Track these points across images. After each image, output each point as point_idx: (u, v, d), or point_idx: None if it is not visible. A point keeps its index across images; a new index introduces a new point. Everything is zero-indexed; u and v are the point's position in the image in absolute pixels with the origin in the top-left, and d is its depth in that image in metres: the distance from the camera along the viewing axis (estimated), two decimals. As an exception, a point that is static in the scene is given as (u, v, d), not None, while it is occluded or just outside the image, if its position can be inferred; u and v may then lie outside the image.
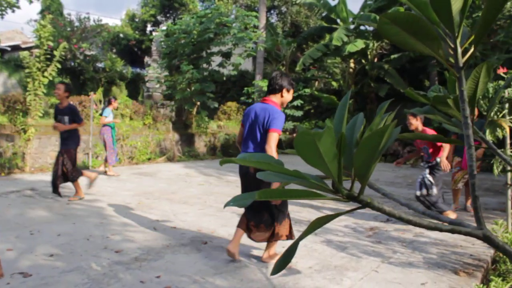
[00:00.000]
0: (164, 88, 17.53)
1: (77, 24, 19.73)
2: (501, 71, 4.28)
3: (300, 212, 6.76)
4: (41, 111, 10.87)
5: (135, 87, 22.22)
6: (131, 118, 14.31)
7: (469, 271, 4.19)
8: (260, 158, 1.37)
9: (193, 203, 7.32)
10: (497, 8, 1.45)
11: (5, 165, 10.16)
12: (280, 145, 17.63)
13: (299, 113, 17.70)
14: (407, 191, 9.14)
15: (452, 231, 1.46)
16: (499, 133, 3.70)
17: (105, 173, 10.44)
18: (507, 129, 4.63)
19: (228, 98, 22.07)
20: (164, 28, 16.57)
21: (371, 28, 17.79)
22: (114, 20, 76.87)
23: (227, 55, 15.94)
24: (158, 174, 10.96)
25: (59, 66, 10.83)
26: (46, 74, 10.60)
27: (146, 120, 14.62)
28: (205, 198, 7.78)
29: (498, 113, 3.78)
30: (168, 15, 29.47)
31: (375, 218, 6.43)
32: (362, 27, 18.04)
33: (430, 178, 6.00)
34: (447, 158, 6.42)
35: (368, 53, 18.24)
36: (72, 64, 19.32)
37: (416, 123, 6.11)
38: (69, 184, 8.68)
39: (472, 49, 1.64)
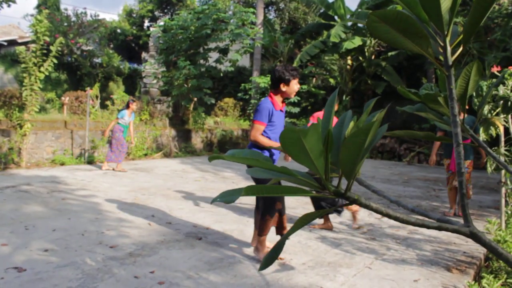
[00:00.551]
0: (161, 84, 17.49)
1: (74, 19, 19.64)
2: (494, 70, 4.29)
3: (296, 209, 6.78)
4: (37, 106, 10.83)
5: (132, 82, 22.18)
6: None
7: (462, 268, 4.21)
8: (248, 154, 1.38)
9: (188, 199, 7.33)
10: (486, 7, 1.46)
11: (1, 160, 10.14)
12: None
13: (296, 110, 17.68)
14: (402, 189, 9.17)
15: (439, 228, 1.48)
16: (492, 131, 3.73)
17: (113, 169, 10.60)
18: (501, 128, 4.64)
19: (225, 94, 22.03)
20: (162, 23, 16.53)
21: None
22: (112, 15, 76.63)
23: (224, 51, 15.92)
24: (155, 170, 10.96)
25: (55, 61, 10.79)
26: (42, 69, 10.57)
27: (143, 116, 14.60)
28: (201, 194, 7.79)
29: (492, 111, 3.79)
30: (165, 10, 29.39)
31: (369, 215, 6.46)
32: (359, 24, 18.03)
33: None
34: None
35: (366, 50, 18.23)
36: (69, 59, 19.27)
37: None
38: (65, 180, 8.70)
39: (461, 48, 1.65)
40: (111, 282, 3.58)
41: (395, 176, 11.35)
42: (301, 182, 1.31)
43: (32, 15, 20.93)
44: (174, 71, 15.85)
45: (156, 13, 29.38)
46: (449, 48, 1.60)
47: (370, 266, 4.20)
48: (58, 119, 12.44)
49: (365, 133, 1.11)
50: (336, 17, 18.51)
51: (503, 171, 5.17)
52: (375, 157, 16.28)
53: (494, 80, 3.86)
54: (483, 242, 1.50)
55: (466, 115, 5.86)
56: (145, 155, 13.78)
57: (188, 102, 15.91)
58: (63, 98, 14.14)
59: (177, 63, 15.25)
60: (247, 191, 1.18)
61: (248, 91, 17.94)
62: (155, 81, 17.90)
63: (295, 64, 17.90)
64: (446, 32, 1.56)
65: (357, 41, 16.42)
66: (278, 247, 1.37)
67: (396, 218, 1.41)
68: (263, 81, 16.62)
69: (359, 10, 17.62)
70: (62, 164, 11.25)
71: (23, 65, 10.50)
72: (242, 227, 5.52)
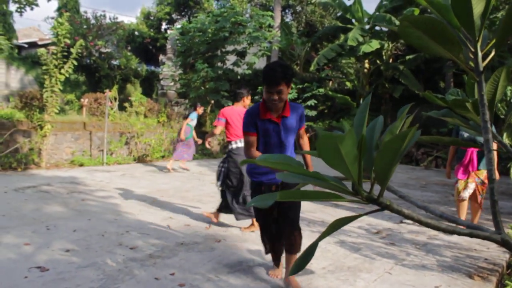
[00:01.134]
0: (179, 86, 17.60)
1: (93, 21, 19.89)
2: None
3: (314, 212, 6.76)
4: (57, 108, 11.00)
5: (149, 84, 22.34)
6: (145, 116, 14.38)
7: (484, 275, 4.16)
8: (280, 159, 1.39)
9: (206, 201, 7.36)
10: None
11: (22, 160, 10.29)
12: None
13: (313, 113, 17.67)
14: (420, 193, 9.09)
15: (470, 235, 1.46)
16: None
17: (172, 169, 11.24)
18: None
19: (241, 97, 22.05)
20: (179, 26, 16.64)
21: (386, 29, 17.68)
22: (129, 18, 77.39)
23: (242, 54, 15.97)
24: (172, 172, 11.02)
25: (75, 63, 10.95)
26: (63, 71, 10.74)
27: (160, 118, 14.69)
28: (218, 197, 7.80)
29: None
30: (183, 13, 29.55)
31: (388, 219, 6.41)
32: (377, 28, 17.93)
33: None
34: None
35: (383, 53, 18.12)
36: (88, 61, 19.49)
37: None
38: (84, 181, 8.80)
39: (492, 53, 1.64)
40: (132, 283, 3.61)
41: (412, 180, 11.25)
42: (332, 187, 1.32)
43: (52, 18, 21.20)
44: (191, 74, 15.95)
45: (174, 15, 29.57)
46: (480, 54, 1.59)
47: (390, 271, 4.17)
48: (77, 120, 12.59)
49: (402, 140, 1.12)
50: (353, 20, 18.44)
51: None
52: (398, 162, 16.09)
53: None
54: (515, 249, 1.48)
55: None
56: (163, 157, 13.87)
57: (205, 105, 15.99)
58: (82, 99, 14.31)
59: (194, 65, 15.34)
60: (281, 196, 1.19)
61: (265, 94, 17.94)
62: (172, 84, 18.03)
63: (312, 68, 17.89)
64: (477, 38, 1.55)
65: (374, 45, 16.33)
66: (310, 252, 1.37)
67: (427, 224, 1.41)
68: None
69: (377, 13, 17.53)
70: (81, 165, 11.39)
71: (44, 67, 10.67)
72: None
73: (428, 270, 4.23)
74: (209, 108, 16.30)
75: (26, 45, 22.26)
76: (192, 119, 11.09)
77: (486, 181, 5.65)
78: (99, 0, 79.49)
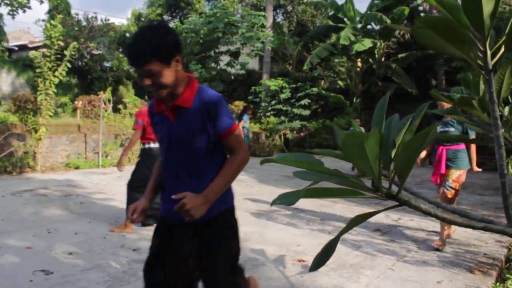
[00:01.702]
0: (172, 88, 17.51)
1: (84, 23, 19.83)
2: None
3: (313, 211, 6.80)
4: (51, 111, 10.96)
5: (141, 86, 22.26)
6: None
7: (484, 270, 4.22)
8: (299, 157, 1.42)
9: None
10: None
11: (17, 164, 10.25)
12: (287, 144, 17.67)
13: (306, 112, 17.71)
14: (416, 191, 9.14)
15: (485, 229, 1.50)
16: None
17: None
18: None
19: (235, 98, 22.10)
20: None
21: (377, 27, 17.79)
22: (121, 19, 77.09)
23: (235, 55, 15.99)
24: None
25: (69, 65, 10.92)
26: (57, 73, 10.70)
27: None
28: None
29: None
30: (174, 14, 29.49)
31: (386, 217, 6.46)
32: (369, 26, 18.04)
33: None
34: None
35: (376, 52, 18.23)
36: (80, 63, 19.44)
37: None
38: (81, 183, 8.77)
39: (502, 51, 1.68)
40: (138, 284, 3.62)
41: (407, 178, 11.32)
42: (352, 184, 1.35)
43: (43, 20, 21.11)
44: (185, 75, 15.93)
45: (165, 16, 29.47)
46: (489, 53, 1.63)
47: (392, 267, 4.22)
48: (72, 123, 12.55)
49: (423, 138, 1.15)
50: (345, 19, 18.52)
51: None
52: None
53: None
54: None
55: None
56: (158, 158, 13.84)
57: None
58: (76, 102, 14.26)
59: (188, 66, 15.34)
60: (306, 194, 1.22)
61: (258, 94, 17.99)
62: (165, 85, 17.94)
63: (305, 67, 17.94)
64: (486, 37, 1.59)
65: (367, 43, 16.43)
66: (330, 248, 1.41)
67: (443, 219, 1.44)
68: (274, 84, 16.68)
69: (369, 12, 17.63)
70: (77, 167, 11.36)
71: (38, 70, 10.62)
72: (262, 230, 5.55)
73: (430, 266, 4.28)
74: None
75: (16, 48, 22.15)
76: (246, 120, 11.38)
77: (454, 184, 5.05)
78: (89, 2, 79.07)
